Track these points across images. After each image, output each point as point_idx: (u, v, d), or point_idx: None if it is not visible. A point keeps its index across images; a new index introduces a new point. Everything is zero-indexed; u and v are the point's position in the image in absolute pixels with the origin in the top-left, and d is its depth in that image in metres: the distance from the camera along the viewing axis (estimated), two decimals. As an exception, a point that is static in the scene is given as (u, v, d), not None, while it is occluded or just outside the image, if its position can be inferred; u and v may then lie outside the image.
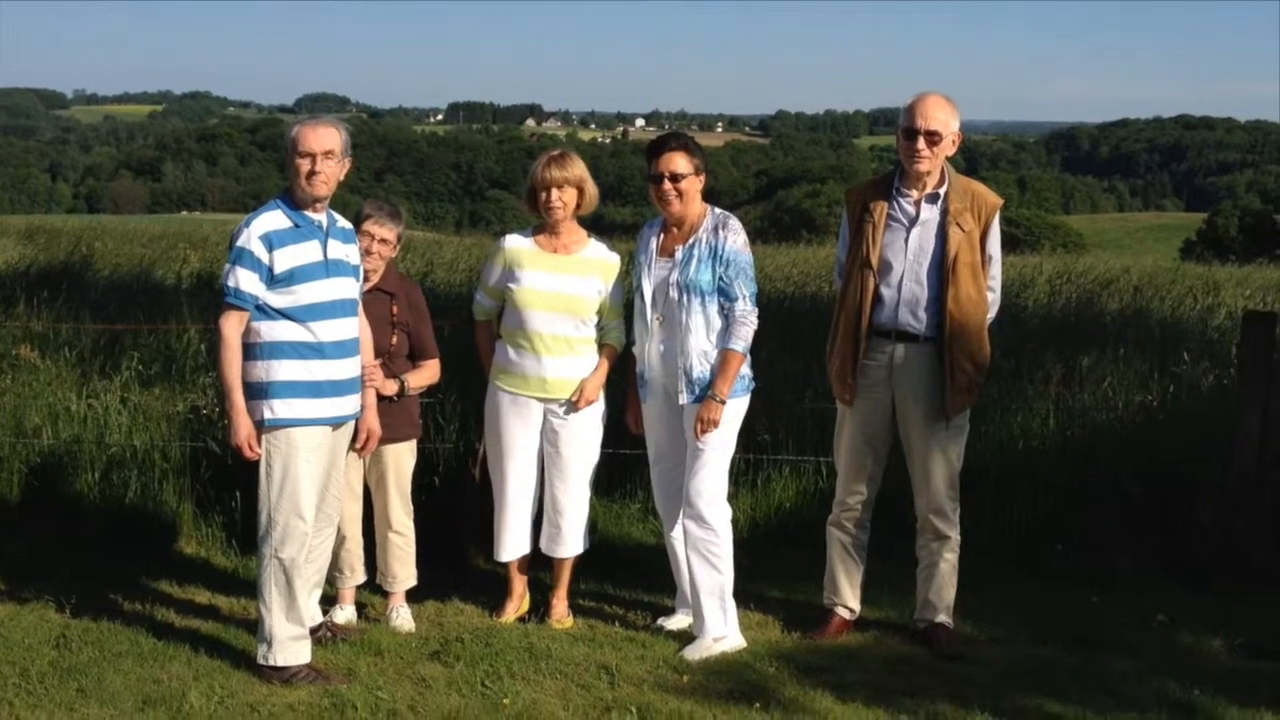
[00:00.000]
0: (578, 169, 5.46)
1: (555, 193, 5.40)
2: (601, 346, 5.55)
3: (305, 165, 4.81)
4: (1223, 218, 57.04)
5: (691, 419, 5.28)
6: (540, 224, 5.54)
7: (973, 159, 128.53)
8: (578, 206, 5.48)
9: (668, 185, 5.28)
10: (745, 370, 5.35)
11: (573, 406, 5.49)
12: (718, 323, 5.26)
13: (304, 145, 4.82)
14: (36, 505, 6.74)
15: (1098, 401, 7.42)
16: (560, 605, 5.70)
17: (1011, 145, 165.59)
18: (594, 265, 5.50)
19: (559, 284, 5.43)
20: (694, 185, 5.31)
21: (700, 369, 5.25)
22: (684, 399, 5.29)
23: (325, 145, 4.83)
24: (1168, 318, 10.25)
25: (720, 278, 5.23)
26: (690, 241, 5.30)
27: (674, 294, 5.26)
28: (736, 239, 5.28)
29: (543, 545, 5.67)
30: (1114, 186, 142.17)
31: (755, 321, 5.28)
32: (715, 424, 5.24)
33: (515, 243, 5.53)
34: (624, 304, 5.60)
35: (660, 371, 5.39)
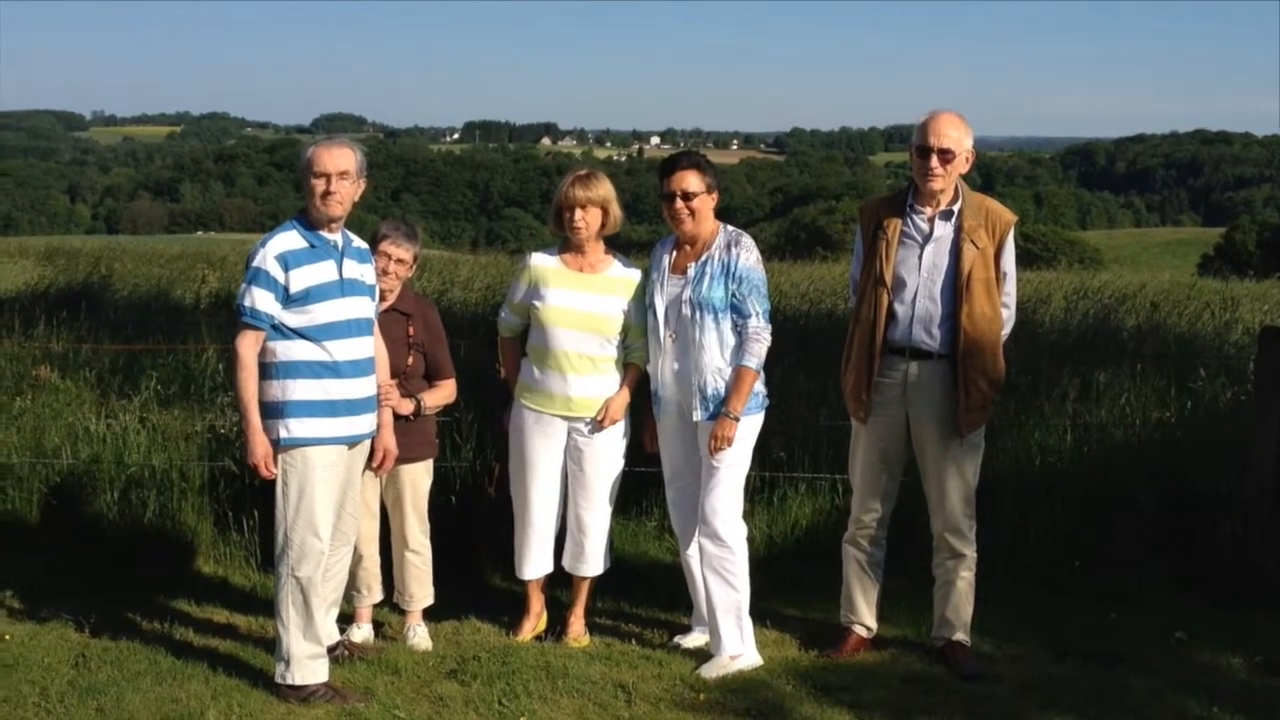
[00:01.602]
0: (603, 189, 5.43)
1: (580, 213, 5.38)
2: (626, 365, 5.53)
3: (320, 185, 4.85)
4: (1240, 233, 56.81)
5: (706, 436, 5.28)
6: (566, 242, 5.52)
7: (989, 175, 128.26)
8: (602, 226, 5.46)
9: (680, 204, 5.30)
10: (759, 387, 5.35)
11: (597, 425, 5.48)
12: (731, 340, 5.27)
13: (319, 166, 4.86)
14: (56, 525, 6.77)
15: (1115, 418, 7.40)
16: (578, 624, 5.69)
17: (1027, 161, 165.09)
18: (619, 284, 5.49)
19: (584, 303, 5.42)
20: (706, 203, 5.33)
21: (714, 386, 5.26)
22: (698, 416, 5.30)
23: (340, 166, 4.87)
24: (1185, 334, 10.21)
25: (733, 295, 5.25)
26: (703, 259, 5.31)
27: (687, 311, 5.28)
28: (749, 256, 5.29)
29: (566, 564, 5.66)
30: (1130, 202, 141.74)
31: (768, 338, 5.29)
32: (730, 441, 5.24)
33: (541, 260, 5.52)
34: (648, 322, 5.59)
35: (674, 389, 5.39)
